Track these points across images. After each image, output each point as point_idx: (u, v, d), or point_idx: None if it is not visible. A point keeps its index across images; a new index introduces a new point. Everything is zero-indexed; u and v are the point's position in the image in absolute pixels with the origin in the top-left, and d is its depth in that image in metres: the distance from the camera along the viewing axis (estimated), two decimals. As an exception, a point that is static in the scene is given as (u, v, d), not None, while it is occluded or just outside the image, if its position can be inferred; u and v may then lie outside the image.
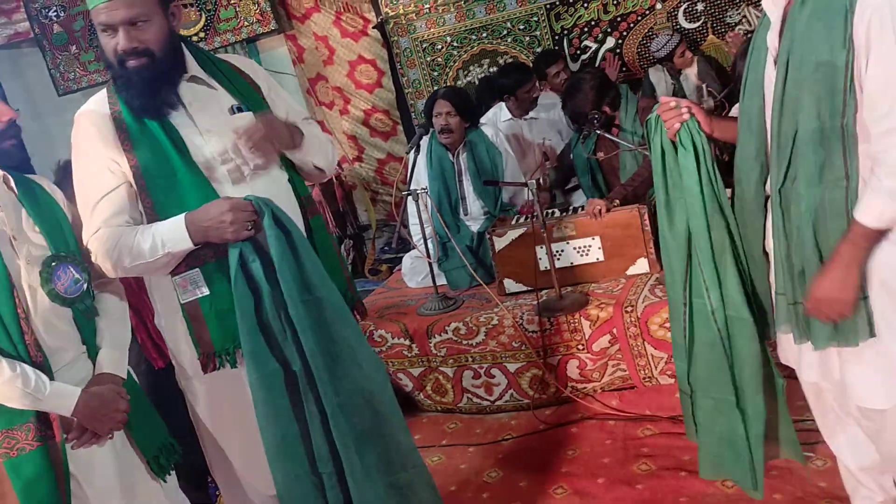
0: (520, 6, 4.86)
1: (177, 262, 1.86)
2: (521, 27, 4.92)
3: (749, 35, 4.06)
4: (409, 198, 3.51)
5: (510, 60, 4.95)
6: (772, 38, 1.66)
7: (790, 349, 1.83)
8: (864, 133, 1.53)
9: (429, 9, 5.02)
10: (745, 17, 4.52)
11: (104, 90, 1.92)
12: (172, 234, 1.80)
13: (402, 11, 5.07)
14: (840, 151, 1.55)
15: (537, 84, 4.32)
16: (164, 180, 1.85)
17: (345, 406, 1.81)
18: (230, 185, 1.91)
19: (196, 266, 1.86)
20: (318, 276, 1.83)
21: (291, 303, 1.77)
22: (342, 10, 5.25)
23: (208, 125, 1.90)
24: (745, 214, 1.80)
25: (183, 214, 1.81)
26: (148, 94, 1.84)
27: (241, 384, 1.89)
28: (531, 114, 4.33)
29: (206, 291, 1.87)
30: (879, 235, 1.54)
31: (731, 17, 4.54)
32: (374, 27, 5.18)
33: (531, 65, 4.64)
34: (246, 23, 5.31)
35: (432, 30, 5.09)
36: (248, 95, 1.99)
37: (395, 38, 5.16)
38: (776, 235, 1.69)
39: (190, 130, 1.89)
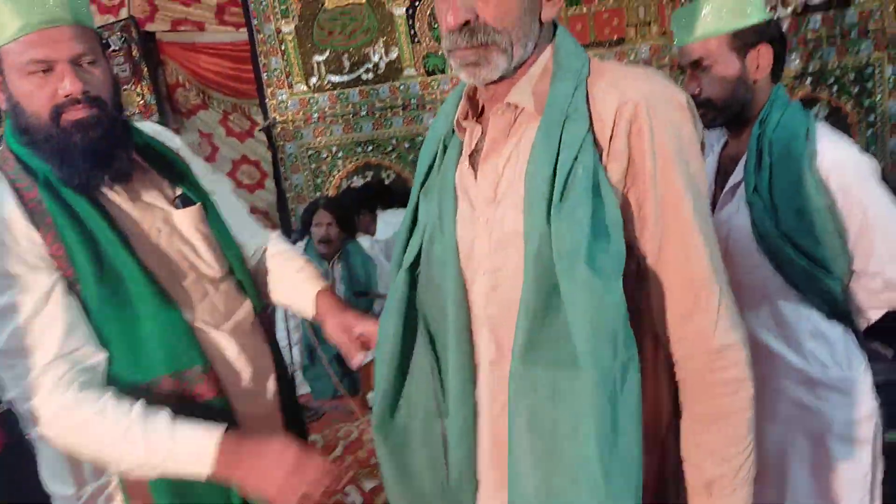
0: (406, 126, 5.04)
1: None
2: (407, 145, 5.08)
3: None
4: (278, 303, 3.45)
5: (393, 175, 5.08)
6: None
7: None
8: None
9: (318, 119, 5.11)
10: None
11: None
12: (189, 445, 1.24)
13: (290, 118, 5.14)
14: None
15: None
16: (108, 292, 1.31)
17: None
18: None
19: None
20: None
21: None
22: (230, 110, 5.30)
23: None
24: None
25: (221, 429, 1.25)
26: (96, 159, 1.31)
27: None
28: None
29: None
30: None
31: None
32: (259, 130, 5.21)
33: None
34: (128, 113, 5.23)
35: (319, 139, 5.17)
36: (188, 181, 1.52)
37: (281, 143, 5.20)
38: None
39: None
